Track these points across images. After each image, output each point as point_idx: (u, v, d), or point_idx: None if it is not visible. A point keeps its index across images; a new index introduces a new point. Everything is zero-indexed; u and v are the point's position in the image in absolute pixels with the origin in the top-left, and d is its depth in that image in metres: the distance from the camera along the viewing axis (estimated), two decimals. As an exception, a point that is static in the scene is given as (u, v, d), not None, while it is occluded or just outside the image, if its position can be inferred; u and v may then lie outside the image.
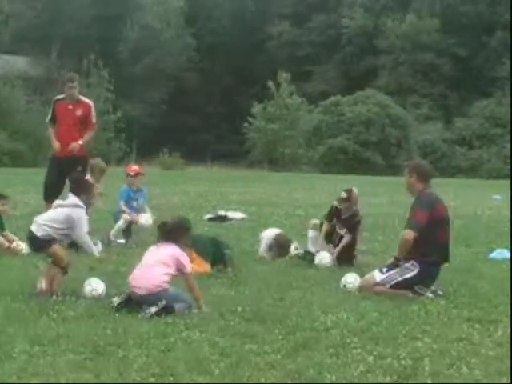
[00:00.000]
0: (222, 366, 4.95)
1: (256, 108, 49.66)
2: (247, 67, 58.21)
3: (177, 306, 6.40)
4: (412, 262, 7.64)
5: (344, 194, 9.74)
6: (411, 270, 7.62)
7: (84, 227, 7.15)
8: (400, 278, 7.61)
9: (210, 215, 14.92)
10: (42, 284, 6.98)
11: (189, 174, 37.83)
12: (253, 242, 10.98)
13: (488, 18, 55.99)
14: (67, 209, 7.19)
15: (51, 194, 11.47)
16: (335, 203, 9.84)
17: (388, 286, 7.60)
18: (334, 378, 4.80)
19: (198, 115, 56.28)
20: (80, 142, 11.38)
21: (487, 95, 52.12)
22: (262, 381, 4.72)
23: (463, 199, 21.92)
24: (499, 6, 55.43)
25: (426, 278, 7.62)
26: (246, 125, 49.01)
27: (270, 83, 48.65)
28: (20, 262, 8.74)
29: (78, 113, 11.57)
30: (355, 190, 9.80)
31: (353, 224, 9.78)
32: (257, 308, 6.63)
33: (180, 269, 6.57)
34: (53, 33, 52.36)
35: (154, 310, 6.25)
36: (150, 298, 6.37)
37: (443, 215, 7.91)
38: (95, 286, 7.04)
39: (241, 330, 5.87)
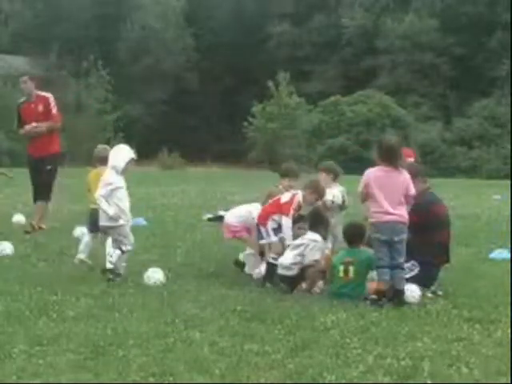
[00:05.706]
0: (221, 366, 4.96)
1: (256, 107, 49.58)
2: (247, 67, 58.08)
3: None
4: (412, 262, 7.64)
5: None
6: (411, 270, 7.62)
7: None
8: (400, 278, 7.61)
9: (209, 215, 14.82)
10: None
11: (189, 174, 37.78)
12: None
13: (487, 18, 55.86)
14: None
15: (34, 194, 11.55)
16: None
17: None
18: (333, 377, 4.81)
19: (198, 115, 56.15)
20: (34, 124, 11.37)
21: (487, 95, 51.98)
22: (262, 381, 4.73)
23: (463, 199, 21.88)
24: (499, 6, 55.35)
25: (426, 278, 7.62)
26: (245, 124, 48.94)
27: (270, 83, 48.58)
28: (20, 262, 8.74)
29: (40, 108, 11.51)
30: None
31: None
32: (257, 308, 6.63)
33: None
34: (52, 33, 52.24)
35: None
36: None
37: (442, 215, 7.90)
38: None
39: (241, 330, 5.87)
